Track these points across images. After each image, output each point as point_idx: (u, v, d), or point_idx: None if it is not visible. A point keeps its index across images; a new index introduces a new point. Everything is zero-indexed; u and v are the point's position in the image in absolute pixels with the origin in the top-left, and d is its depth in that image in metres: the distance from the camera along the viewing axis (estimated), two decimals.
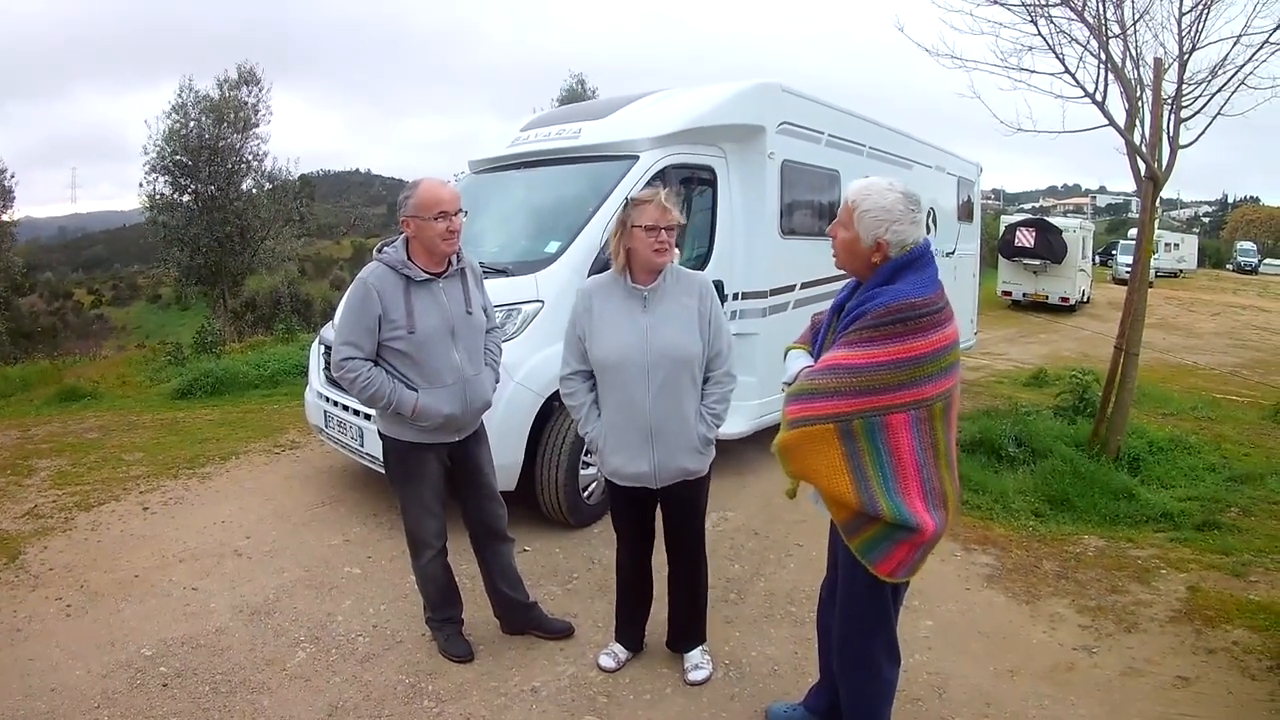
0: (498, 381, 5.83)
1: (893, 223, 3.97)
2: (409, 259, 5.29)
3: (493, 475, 5.98)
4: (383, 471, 6.22)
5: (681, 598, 5.68)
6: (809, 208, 11.12)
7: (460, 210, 5.32)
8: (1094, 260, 44.51)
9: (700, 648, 5.74)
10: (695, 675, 5.58)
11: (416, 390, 5.30)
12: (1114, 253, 58.82)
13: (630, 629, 5.81)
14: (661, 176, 8.78)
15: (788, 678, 5.50)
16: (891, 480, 3.86)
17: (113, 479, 10.03)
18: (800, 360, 4.23)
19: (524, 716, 5.21)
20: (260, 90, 31.28)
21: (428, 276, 5.30)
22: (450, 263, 5.44)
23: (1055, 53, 9.74)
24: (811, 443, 3.83)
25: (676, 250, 5.18)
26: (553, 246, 8.27)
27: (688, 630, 5.73)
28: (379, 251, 5.41)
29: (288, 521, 8.43)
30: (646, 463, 5.15)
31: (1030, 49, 9.88)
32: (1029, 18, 9.72)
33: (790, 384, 4.10)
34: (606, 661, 5.69)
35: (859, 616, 4.27)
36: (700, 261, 8.89)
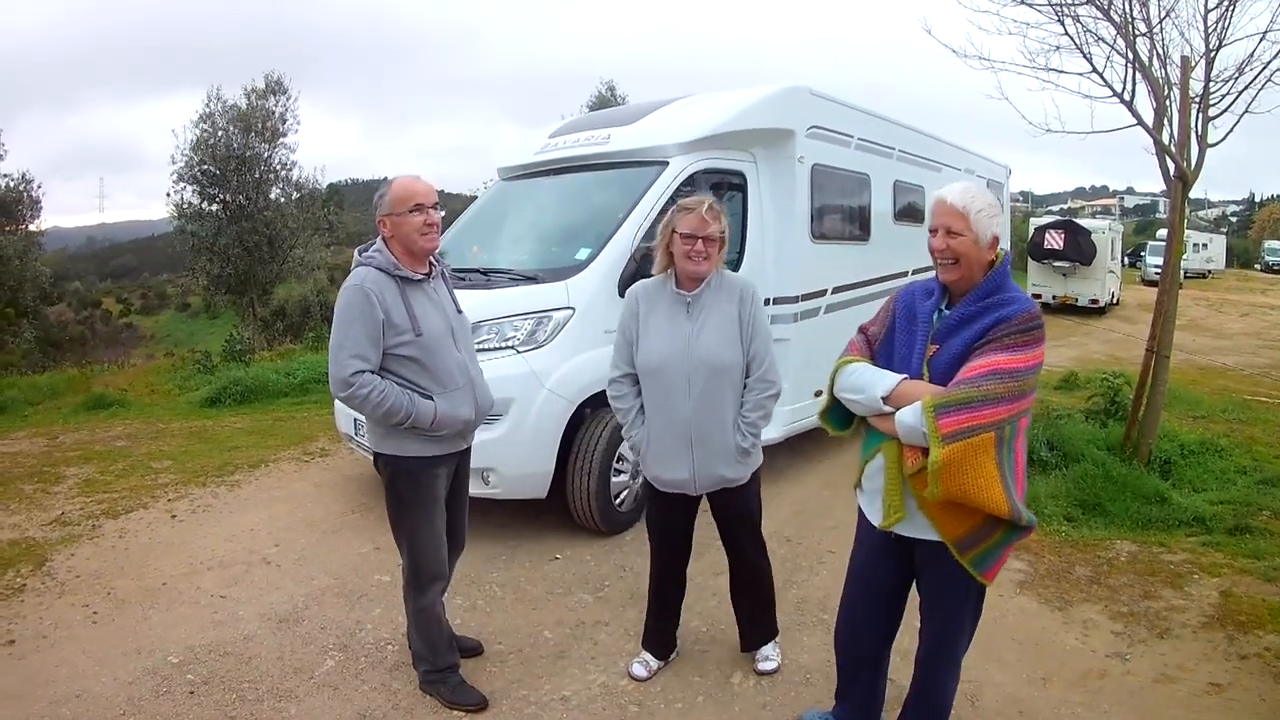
0: None
1: (998, 217, 4.00)
2: (398, 261, 5.04)
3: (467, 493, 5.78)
4: None
5: (746, 599, 5.72)
6: (839, 212, 11.08)
7: (436, 204, 5.10)
8: (1123, 262, 44.08)
9: (772, 641, 5.77)
10: (764, 665, 5.67)
11: (431, 398, 5.03)
12: (1142, 254, 58.35)
13: (659, 635, 5.78)
14: (691, 182, 8.76)
15: (820, 686, 5.45)
16: (1014, 484, 3.84)
17: (141, 487, 10.04)
18: (882, 371, 4.12)
19: None
20: (288, 100, 31.44)
21: (420, 277, 5.11)
22: (432, 263, 5.27)
23: (1083, 52, 9.66)
24: (974, 455, 3.69)
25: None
26: (583, 253, 8.20)
27: (757, 629, 5.77)
28: (362, 254, 5.11)
29: (317, 529, 8.42)
30: (686, 469, 5.15)
31: (1058, 48, 9.80)
32: (1056, 17, 9.64)
33: (888, 398, 3.99)
34: (638, 670, 5.66)
35: (963, 629, 4.32)
36: (731, 266, 8.73)
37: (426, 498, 5.19)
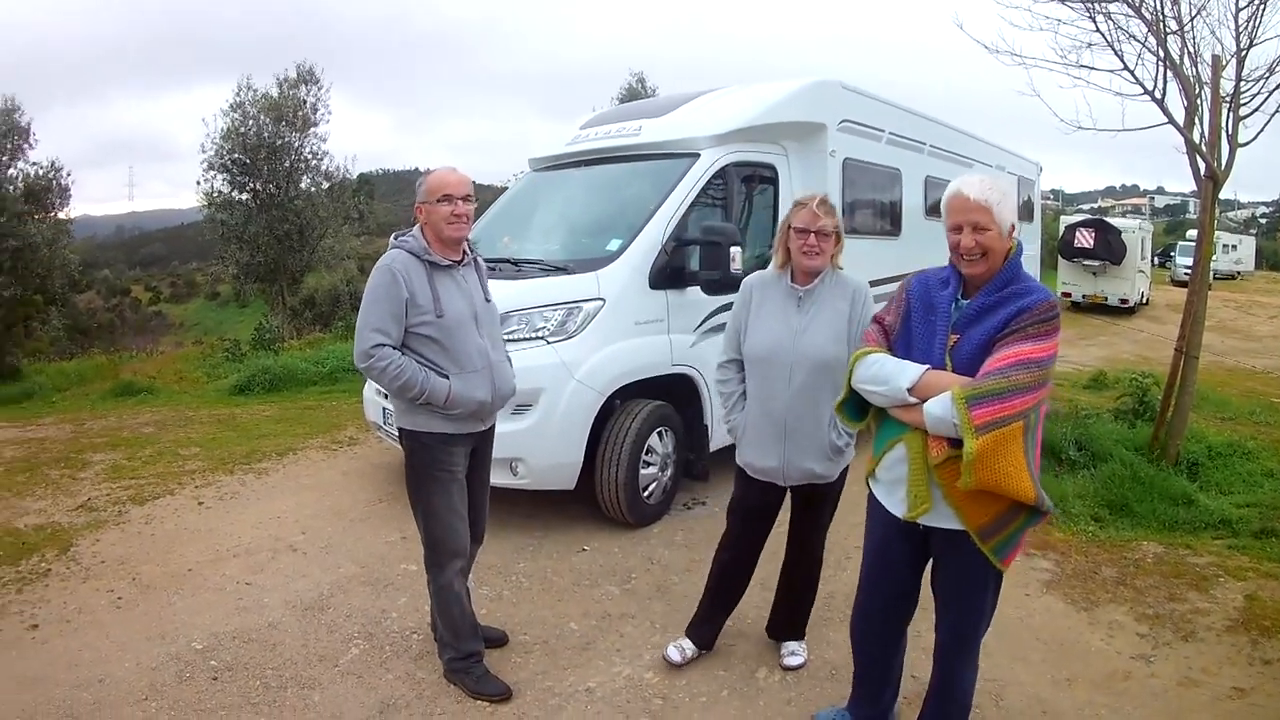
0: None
1: (1014, 202, 4.02)
2: (429, 246, 5.22)
3: (488, 486, 5.87)
4: None
5: (792, 589, 5.74)
6: (870, 207, 11.11)
7: (468, 197, 5.22)
8: (1153, 262, 43.96)
9: (800, 640, 5.79)
10: (791, 660, 5.68)
11: (448, 377, 5.16)
12: (1172, 254, 58.06)
13: (706, 627, 5.78)
14: (723, 174, 8.77)
15: (844, 682, 5.31)
16: (1036, 470, 3.82)
17: (168, 473, 10.10)
18: (905, 362, 4.09)
19: (578, 717, 5.18)
20: (319, 89, 31.37)
21: (449, 263, 5.24)
22: (465, 252, 5.38)
23: (1114, 49, 9.60)
24: (1005, 445, 3.68)
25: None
26: (614, 244, 8.20)
27: (791, 621, 5.79)
28: (397, 238, 5.32)
29: (344, 518, 8.44)
30: (776, 459, 5.17)
31: (1089, 45, 9.75)
32: (1088, 13, 9.59)
33: (913, 389, 3.96)
34: (673, 654, 5.67)
35: (982, 615, 4.29)
36: (762, 260, 8.67)
37: (442, 472, 5.29)
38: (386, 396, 7.63)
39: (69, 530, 8.19)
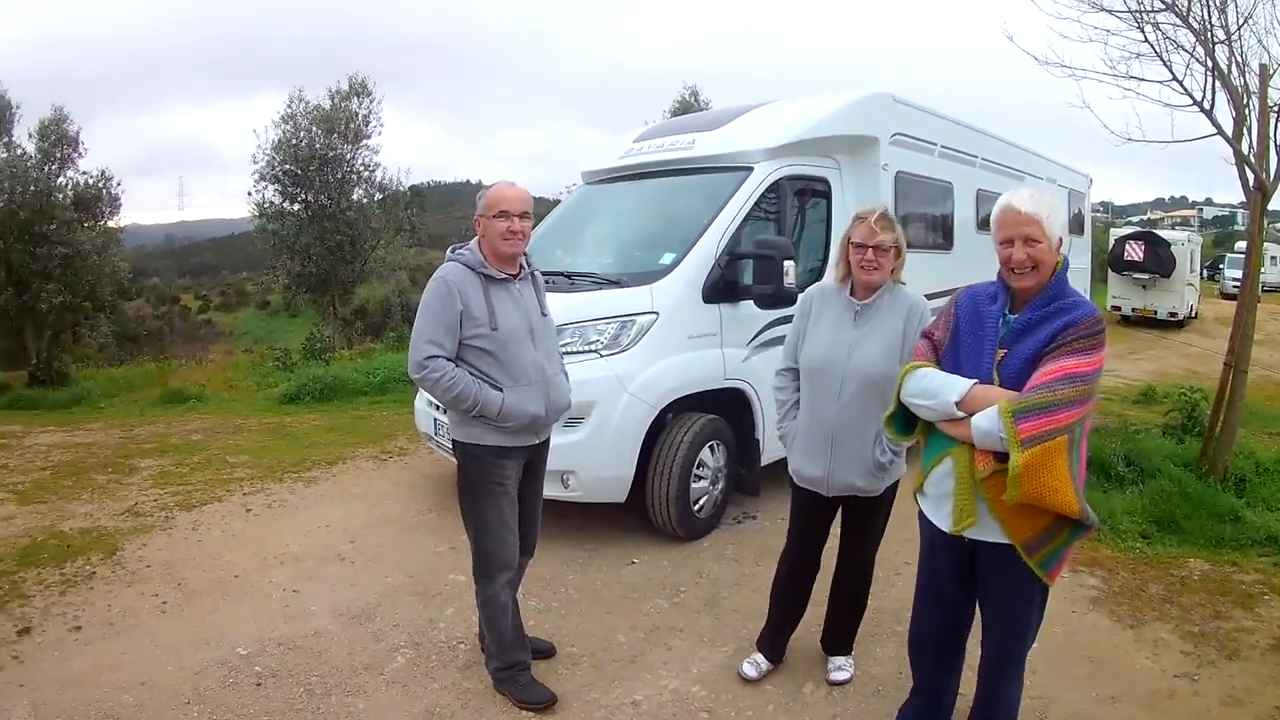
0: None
1: (1063, 214, 4.04)
2: (485, 260, 5.22)
3: (541, 501, 5.84)
4: None
5: (842, 602, 5.72)
6: (922, 220, 11.05)
7: (525, 214, 5.21)
8: (1202, 274, 43.56)
9: (847, 655, 5.78)
10: (837, 675, 5.65)
11: (501, 389, 5.14)
12: (1221, 267, 57.60)
13: (774, 639, 5.78)
14: (776, 188, 8.77)
15: (890, 698, 5.39)
16: (1080, 484, 3.83)
17: (216, 480, 10.16)
18: (954, 377, 4.11)
19: None
20: (371, 102, 31.36)
21: (505, 277, 5.23)
22: (522, 266, 5.38)
23: (1163, 60, 9.52)
24: (1050, 459, 3.70)
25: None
26: (668, 258, 8.18)
27: (841, 634, 5.78)
28: (454, 251, 5.33)
29: (393, 527, 8.46)
30: (821, 468, 5.17)
31: (1138, 56, 9.68)
32: (1136, 24, 9.52)
33: (961, 403, 3.98)
34: (749, 671, 5.66)
35: (1028, 629, 4.31)
36: (816, 274, 8.79)
37: (494, 484, 5.28)
38: (439, 408, 7.67)
39: (115, 534, 8.25)
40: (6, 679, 5.64)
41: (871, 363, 5.01)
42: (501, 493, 5.30)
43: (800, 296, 5.51)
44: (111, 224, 24.92)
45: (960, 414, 3.96)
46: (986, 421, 3.82)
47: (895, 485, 5.37)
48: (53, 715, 5.21)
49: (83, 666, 5.78)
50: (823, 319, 5.23)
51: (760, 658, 5.73)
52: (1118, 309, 34.46)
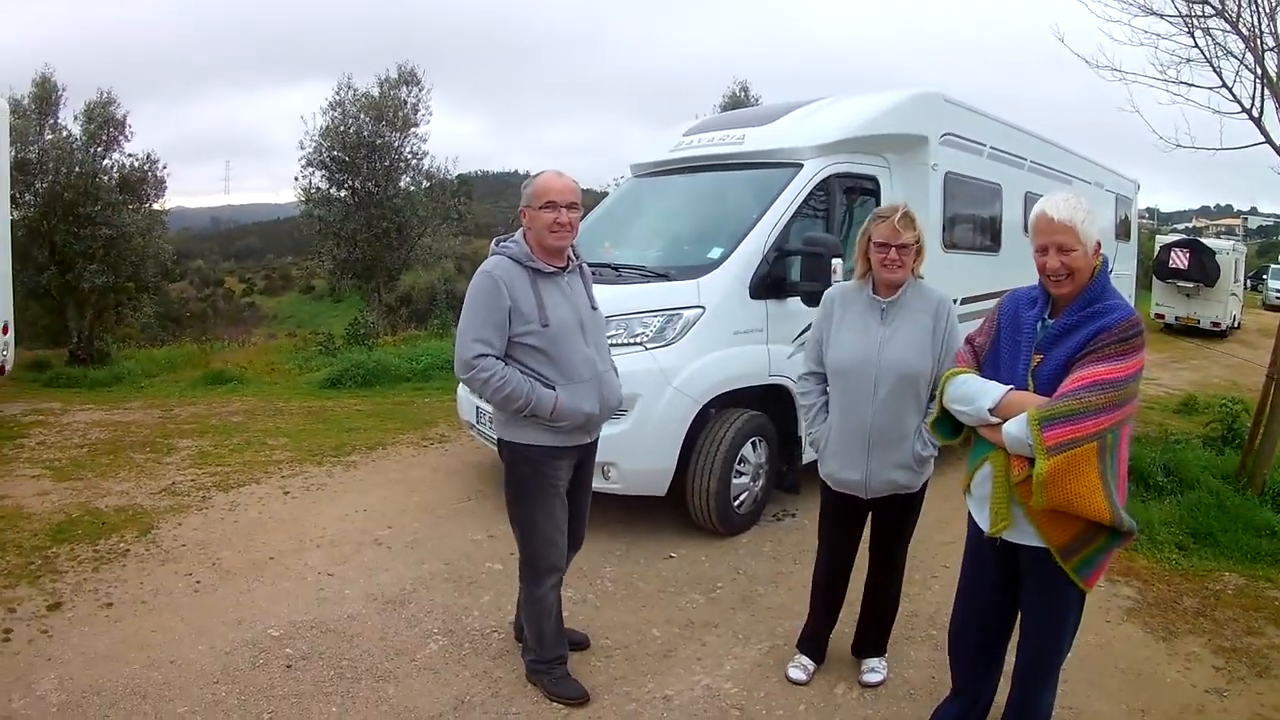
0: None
1: (1097, 219, 4.03)
2: (532, 253, 5.08)
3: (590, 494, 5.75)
4: None
5: (874, 605, 5.69)
6: (970, 222, 11.04)
7: (573, 204, 5.04)
8: (1245, 284, 43.34)
9: (881, 657, 5.73)
10: (870, 677, 5.61)
11: (554, 388, 5.00)
12: (1264, 277, 57.18)
13: (814, 640, 5.75)
14: (825, 186, 8.75)
15: (922, 702, 5.37)
16: (1116, 490, 3.83)
17: (254, 462, 10.23)
18: (989, 383, 4.15)
19: None
20: (420, 90, 31.30)
21: (553, 270, 5.10)
22: (570, 259, 5.23)
23: (1213, 66, 9.42)
24: (1077, 466, 3.71)
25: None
26: (715, 253, 8.16)
27: (873, 637, 5.73)
28: (499, 244, 5.20)
29: (432, 514, 8.48)
30: (859, 471, 5.13)
31: (1188, 61, 9.59)
32: (1186, 29, 9.44)
33: (995, 409, 4.03)
34: (797, 674, 5.64)
35: (1063, 635, 4.31)
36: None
37: (545, 486, 5.17)
38: None
39: (150, 513, 8.32)
40: (35, 652, 5.69)
41: (903, 359, 5.02)
42: (553, 494, 5.21)
43: (824, 298, 5.47)
44: (156, 206, 25.02)
45: (994, 420, 4.02)
46: (1016, 428, 3.90)
47: (925, 484, 5.37)
48: (79, 690, 5.25)
49: (112, 643, 5.83)
50: (846, 319, 5.22)
51: (805, 659, 5.70)
52: (1161, 316, 34.41)
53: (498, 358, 4.94)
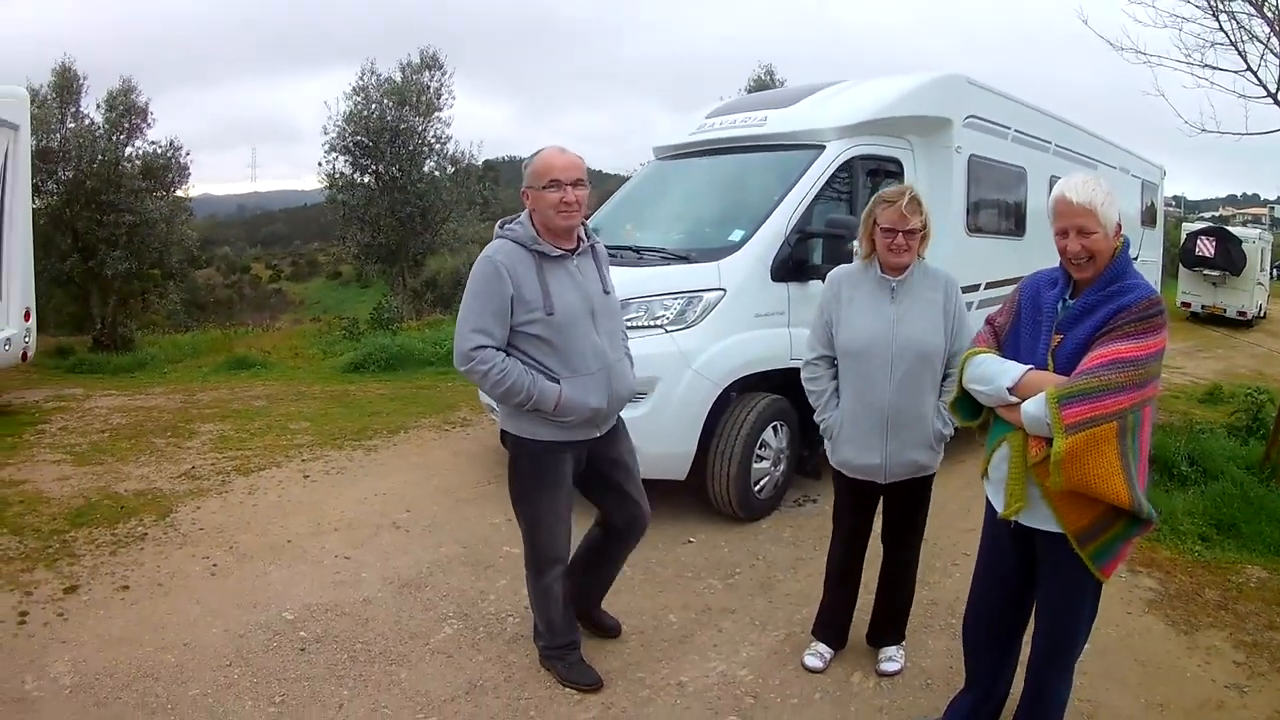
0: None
1: (1117, 201, 3.96)
2: (537, 235, 4.87)
3: (633, 468, 5.53)
4: None
5: (889, 592, 5.64)
6: (995, 206, 11.00)
7: (579, 181, 4.81)
8: (1272, 274, 42.91)
9: (898, 645, 5.67)
10: (887, 666, 5.55)
11: (558, 381, 4.83)
12: None
13: (832, 626, 5.70)
14: (848, 167, 8.71)
15: (939, 692, 5.32)
16: (1137, 475, 3.76)
17: (275, 446, 10.25)
18: (1009, 362, 4.12)
19: (667, 711, 5.13)
20: (443, 75, 31.29)
21: (561, 253, 4.89)
22: (581, 239, 5.03)
23: (1237, 49, 9.35)
24: (1096, 445, 3.66)
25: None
26: (736, 235, 8.13)
27: (890, 626, 5.67)
28: (503, 227, 4.98)
29: (451, 498, 8.49)
30: (878, 455, 5.09)
31: (1213, 45, 9.51)
32: (1211, 11, 9.36)
33: (1014, 389, 3.99)
34: (813, 661, 5.59)
35: (1079, 625, 4.26)
36: None
37: (548, 481, 5.07)
38: None
39: (170, 497, 8.34)
40: (49, 635, 5.71)
41: (920, 338, 5.00)
42: (556, 488, 5.09)
43: (827, 280, 5.41)
44: (180, 193, 25.09)
45: (1013, 400, 3.99)
46: (1035, 407, 3.86)
47: (934, 473, 5.34)
48: (92, 672, 5.27)
49: (126, 625, 5.85)
50: (856, 301, 5.14)
51: (822, 647, 5.65)
52: (1187, 305, 34.30)
53: (498, 348, 4.79)
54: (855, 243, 6.92)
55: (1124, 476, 3.69)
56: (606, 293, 5.16)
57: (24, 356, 12.24)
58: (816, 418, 5.35)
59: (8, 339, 11.67)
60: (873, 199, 5.17)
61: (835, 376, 5.28)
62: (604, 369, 4.98)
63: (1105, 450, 3.67)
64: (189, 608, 6.11)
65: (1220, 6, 9.27)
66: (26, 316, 12.09)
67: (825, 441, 5.41)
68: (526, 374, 4.77)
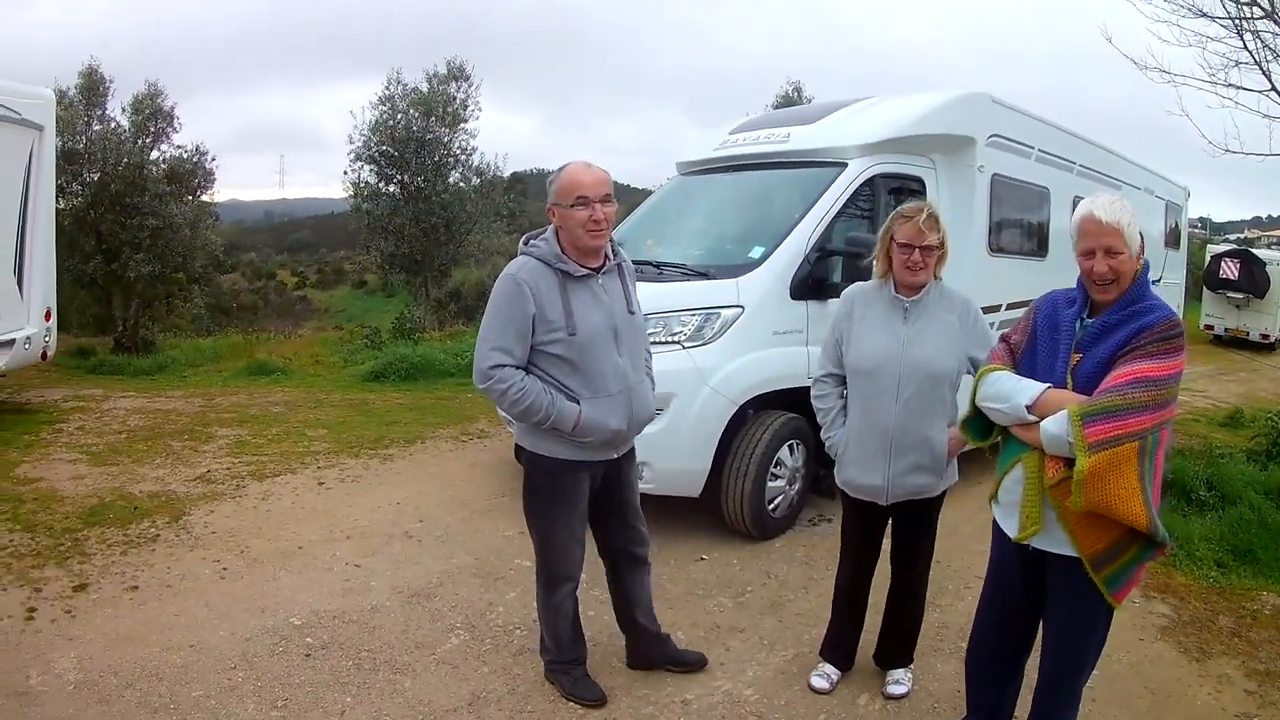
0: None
1: (1137, 221, 3.94)
2: (562, 253, 4.80)
3: (637, 494, 5.51)
4: None
5: (897, 615, 5.58)
6: (1018, 226, 10.93)
7: (607, 197, 4.71)
8: None
9: (906, 668, 5.62)
10: (894, 689, 5.50)
11: (578, 401, 4.78)
12: None
13: (839, 647, 5.67)
14: (870, 185, 8.67)
15: (945, 716, 5.29)
16: (1152, 498, 3.73)
17: (292, 453, 10.30)
18: (1026, 380, 4.07)
19: None
20: (470, 86, 31.39)
21: (586, 272, 4.80)
22: (608, 257, 4.94)
23: (1262, 68, 9.34)
24: (1117, 465, 3.62)
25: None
26: (757, 252, 8.11)
27: (898, 648, 5.63)
28: (526, 244, 4.90)
29: (465, 509, 8.50)
30: (880, 476, 5.05)
31: (1237, 64, 9.48)
32: (1235, 31, 9.34)
33: (1033, 407, 3.94)
34: (819, 683, 5.55)
35: (1088, 651, 4.23)
36: None
37: (564, 499, 5.03)
38: None
39: (183, 499, 8.40)
40: (56, 632, 5.78)
41: (929, 359, 4.95)
42: (571, 507, 5.06)
43: (842, 297, 5.40)
44: (206, 198, 25.21)
45: (1031, 418, 3.93)
46: (1055, 426, 3.80)
47: (944, 494, 5.31)
48: (97, 670, 5.33)
49: (133, 625, 5.91)
50: (868, 319, 5.10)
51: (829, 668, 5.62)
52: (1210, 328, 34.28)
53: (518, 367, 4.74)
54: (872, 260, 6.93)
55: (1143, 498, 3.65)
56: (631, 312, 5.09)
57: (44, 355, 12.35)
58: (823, 435, 5.35)
59: (28, 338, 11.77)
60: (891, 215, 5.14)
61: (844, 395, 5.26)
62: (625, 390, 4.94)
63: (1126, 471, 3.62)
64: (197, 610, 6.15)
65: (1245, 26, 9.25)
66: (48, 316, 12.18)
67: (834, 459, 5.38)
68: (546, 393, 4.73)
